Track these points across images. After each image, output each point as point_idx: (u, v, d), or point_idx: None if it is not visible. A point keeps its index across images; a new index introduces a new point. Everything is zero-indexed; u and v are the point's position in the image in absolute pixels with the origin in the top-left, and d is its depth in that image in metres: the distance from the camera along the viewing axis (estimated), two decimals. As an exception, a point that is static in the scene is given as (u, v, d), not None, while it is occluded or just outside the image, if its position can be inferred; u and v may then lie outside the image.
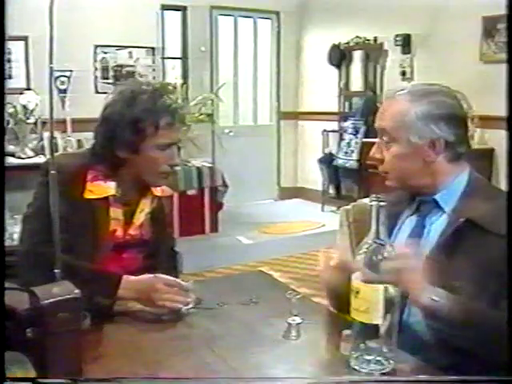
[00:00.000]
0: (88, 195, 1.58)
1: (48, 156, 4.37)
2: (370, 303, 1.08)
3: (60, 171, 1.29)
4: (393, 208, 1.47)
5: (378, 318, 1.09)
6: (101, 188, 1.60)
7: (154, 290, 1.45)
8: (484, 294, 1.23)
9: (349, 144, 5.99)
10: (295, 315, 1.28)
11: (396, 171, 1.41)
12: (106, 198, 1.60)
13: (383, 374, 1.09)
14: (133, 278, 1.50)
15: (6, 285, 0.95)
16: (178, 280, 1.52)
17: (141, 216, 1.67)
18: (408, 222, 1.46)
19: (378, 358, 1.11)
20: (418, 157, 1.38)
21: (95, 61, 5.45)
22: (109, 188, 1.61)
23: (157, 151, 1.59)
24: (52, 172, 1.23)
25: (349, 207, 2.47)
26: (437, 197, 1.39)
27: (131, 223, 1.66)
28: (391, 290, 1.10)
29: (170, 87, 1.76)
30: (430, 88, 1.44)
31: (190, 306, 1.45)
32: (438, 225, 1.38)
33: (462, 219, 1.30)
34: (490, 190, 1.41)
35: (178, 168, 5.06)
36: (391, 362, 1.11)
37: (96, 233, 1.58)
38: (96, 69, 5.44)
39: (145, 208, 1.68)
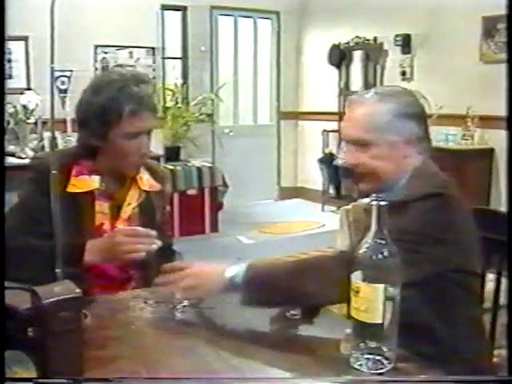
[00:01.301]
0: (71, 189, 1.59)
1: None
2: (370, 302, 1.08)
3: (45, 168, 1.31)
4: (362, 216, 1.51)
5: (378, 317, 1.09)
6: (84, 182, 1.62)
7: (116, 243, 1.45)
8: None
9: (349, 144, 5.98)
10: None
11: (375, 172, 1.43)
12: (92, 192, 1.62)
13: (382, 373, 1.10)
14: (95, 240, 1.50)
15: (7, 284, 0.96)
16: (138, 227, 1.54)
17: (127, 209, 1.68)
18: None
19: (378, 358, 1.11)
20: (396, 154, 1.42)
21: (95, 61, 5.45)
22: (92, 181, 1.63)
23: (123, 140, 1.60)
24: (53, 171, 1.23)
25: (349, 207, 2.48)
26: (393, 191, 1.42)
27: (118, 217, 1.67)
28: (391, 289, 1.10)
29: (146, 77, 1.75)
30: (394, 89, 1.52)
31: (154, 248, 1.45)
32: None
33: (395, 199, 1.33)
34: (428, 176, 1.43)
35: (178, 167, 5.08)
36: (391, 361, 1.11)
37: (82, 227, 1.58)
38: (96, 69, 5.45)
39: (132, 202, 1.69)
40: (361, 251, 1.12)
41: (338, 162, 1.50)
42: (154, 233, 1.48)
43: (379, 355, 1.11)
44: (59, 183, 1.55)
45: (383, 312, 1.09)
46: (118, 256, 1.45)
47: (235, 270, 1.34)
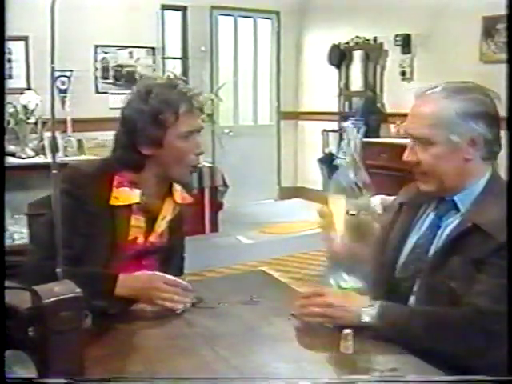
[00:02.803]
0: (114, 202, 1.56)
1: (49, 156, 4.37)
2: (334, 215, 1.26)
3: (86, 179, 1.29)
4: (415, 200, 1.48)
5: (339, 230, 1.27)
6: (126, 194, 1.58)
7: (153, 287, 1.43)
8: (469, 289, 1.26)
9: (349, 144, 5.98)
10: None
11: (436, 172, 1.38)
12: (129, 206, 1.58)
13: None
14: (130, 275, 1.47)
15: (8, 284, 0.96)
16: (178, 279, 1.50)
17: (162, 224, 1.65)
18: (425, 218, 1.47)
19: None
20: (457, 156, 1.36)
21: (95, 61, 5.46)
22: (134, 195, 1.58)
23: (180, 141, 1.58)
24: (54, 171, 1.23)
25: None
26: (456, 198, 1.39)
27: (152, 231, 1.64)
28: (364, 217, 1.17)
29: (184, 80, 1.74)
30: (465, 85, 1.41)
31: (188, 305, 1.44)
32: (451, 226, 1.38)
33: (469, 224, 1.31)
34: (504, 195, 1.35)
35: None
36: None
37: (115, 240, 1.56)
38: (96, 69, 5.45)
39: (166, 215, 1.66)
40: None
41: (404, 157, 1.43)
42: (190, 287, 1.47)
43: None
44: (101, 195, 1.54)
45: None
46: (152, 300, 1.44)
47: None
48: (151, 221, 1.63)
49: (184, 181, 1.68)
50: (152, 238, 1.64)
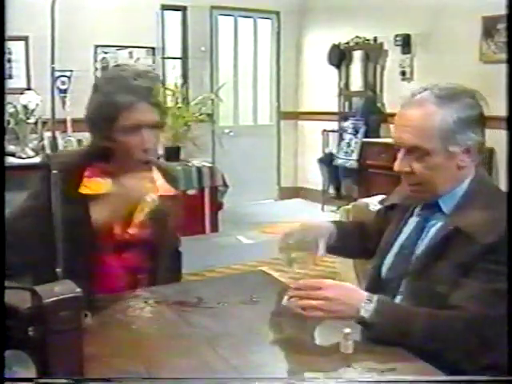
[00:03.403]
0: (84, 190, 1.57)
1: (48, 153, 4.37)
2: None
3: (60, 168, 1.29)
4: (405, 202, 1.48)
5: None
6: (97, 184, 1.59)
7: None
8: (455, 293, 1.25)
9: (349, 144, 5.99)
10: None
11: (430, 181, 1.35)
12: (103, 196, 1.58)
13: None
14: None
15: (8, 284, 0.96)
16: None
17: (140, 215, 1.65)
18: (410, 222, 1.46)
19: None
20: (452, 163, 1.33)
21: (95, 61, 5.45)
22: (105, 184, 1.60)
23: (123, 135, 1.56)
24: (54, 171, 1.23)
25: (349, 207, 2.48)
26: (440, 200, 1.37)
27: (130, 222, 1.64)
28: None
29: (149, 72, 1.72)
30: (453, 89, 1.34)
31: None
32: (435, 228, 1.38)
33: (451, 227, 1.30)
34: (489, 196, 1.35)
35: (178, 167, 5.09)
36: None
37: (92, 229, 1.55)
38: (96, 69, 5.45)
39: (145, 207, 1.66)
40: None
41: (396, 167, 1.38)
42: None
43: None
44: (72, 184, 1.54)
45: None
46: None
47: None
48: (129, 212, 1.63)
49: (137, 170, 1.63)
50: (131, 230, 1.64)
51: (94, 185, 1.59)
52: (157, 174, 1.74)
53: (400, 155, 1.37)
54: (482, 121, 1.34)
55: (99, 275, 1.57)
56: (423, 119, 1.31)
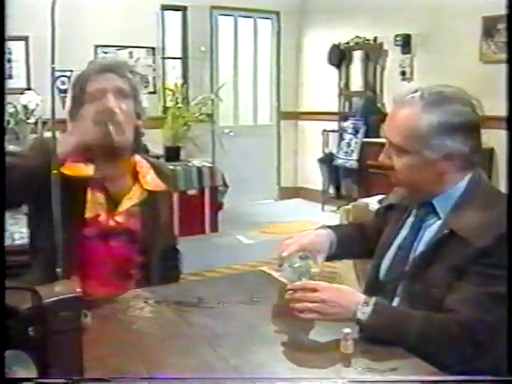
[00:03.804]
0: (64, 170, 1.55)
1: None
2: None
3: (46, 153, 1.31)
4: (403, 202, 1.48)
5: None
6: (78, 167, 1.61)
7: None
8: (450, 296, 1.25)
9: (349, 144, 5.99)
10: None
11: (408, 180, 1.37)
12: (85, 181, 1.61)
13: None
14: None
15: (8, 284, 0.96)
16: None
17: (126, 204, 1.67)
18: (408, 223, 1.46)
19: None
20: (432, 168, 1.32)
21: (95, 61, 5.45)
22: (86, 169, 1.62)
23: (92, 103, 1.61)
24: (54, 172, 1.22)
25: (349, 207, 2.48)
26: (434, 201, 1.37)
27: (115, 210, 1.66)
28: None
29: (123, 63, 1.78)
30: (445, 93, 1.33)
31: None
32: (431, 230, 1.37)
33: (447, 230, 1.30)
34: (486, 199, 1.34)
35: (178, 167, 5.07)
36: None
37: (73, 214, 1.55)
38: (96, 69, 5.45)
39: (132, 197, 1.69)
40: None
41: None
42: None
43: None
44: (49, 166, 1.54)
45: None
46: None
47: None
48: (115, 200, 1.66)
49: (118, 151, 1.65)
50: (118, 219, 1.66)
51: (74, 168, 1.61)
52: (147, 170, 1.76)
53: (385, 148, 1.41)
54: (468, 128, 1.31)
55: (86, 262, 1.59)
56: (406, 119, 1.33)
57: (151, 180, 1.75)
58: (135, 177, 1.72)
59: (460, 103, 1.31)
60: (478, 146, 1.34)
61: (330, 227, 1.65)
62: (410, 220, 1.45)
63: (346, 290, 1.31)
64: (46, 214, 1.25)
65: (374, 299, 1.26)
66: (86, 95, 1.63)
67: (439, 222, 1.36)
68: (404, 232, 1.45)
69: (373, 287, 1.45)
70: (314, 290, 1.27)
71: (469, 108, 1.32)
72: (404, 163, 1.35)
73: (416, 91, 1.34)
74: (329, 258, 1.59)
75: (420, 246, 1.37)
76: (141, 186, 1.71)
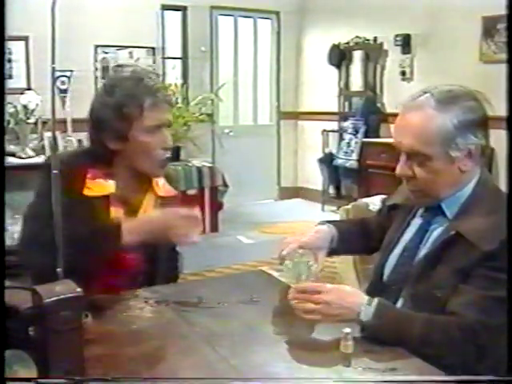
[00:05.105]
0: (88, 192, 1.57)
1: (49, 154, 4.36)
2: None
3: (62, 169, 1.29)
4: (407, 202, 1.48)
5: None
6: (100, 185, 1.60)
7: (168, 227, 1.50)
8: (454, 299, 1.25)
9: (349, 144, 5.99)
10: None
11: (432, 186, 1.34)
12: (107, 197, 1.60)
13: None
14: (136, 220, 1.56)
15: (9, 284, 0.96)
16: (189, 210, 1.55)
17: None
18: (413, 224, 1.46)
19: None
20: (454, 167, 1.32)
21: (96, 61, 5.45)
22: (108, 186, 1.60)
23: (146, 135, 1.58)
24: (54, 171, 1.22)
25: (348, 207, 2.47)
26: (443, 204, 1.37)
27: None
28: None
29: (152, 72, 1.76)
30: (455, 91, 1.32)
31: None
32: (437, 231, 1.37)
33: (453, 232, 1.30)
34: (492, 201, 1.34)
35: (178, 167, 5.09)
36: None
37: (95, 230, 1.54)
38: (96, 69, 5.45)
39: (148, 208, 1.67)
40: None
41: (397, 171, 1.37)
42: (199, 215, 1.54)
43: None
44: (74, 185, 1.54)
45: None
46: (169, 238, 1.51)
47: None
48: (132, 213, 1.64)
49: (154, 175, 1.68)
50: None
51: (97, 186, 1.59)
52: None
53: (401, 159, 1.36)
54: (483, 123, 1.32)
55: (100, 276, 1.56)
56: (423, 123, 1.29)
57: (163, 186, 1.73)
58: (148, 184, 1.70)
59: (471, 99, 1.32)
60: (488, 139, 1.35)
61: (330, 222, 1.65)
62: (415, 221, 1.45)
63: (349, 291, 1.31)
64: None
65: (376, 300, 1.26)
66: (142, 124, 1.57)
67: (446, 225, 1.35)
68: (409, 233, 1.45)
69: (376, 288, 1.45)
70: (318, 292, 1.27)
71: (480, 103, 1.32)
72: (429, 170, 1.32)
73: (424, 93, 1.32)
74: (330, 253, 1.59)
75: (425, 248, 1.37)
76: (154, 193, 1.70)
